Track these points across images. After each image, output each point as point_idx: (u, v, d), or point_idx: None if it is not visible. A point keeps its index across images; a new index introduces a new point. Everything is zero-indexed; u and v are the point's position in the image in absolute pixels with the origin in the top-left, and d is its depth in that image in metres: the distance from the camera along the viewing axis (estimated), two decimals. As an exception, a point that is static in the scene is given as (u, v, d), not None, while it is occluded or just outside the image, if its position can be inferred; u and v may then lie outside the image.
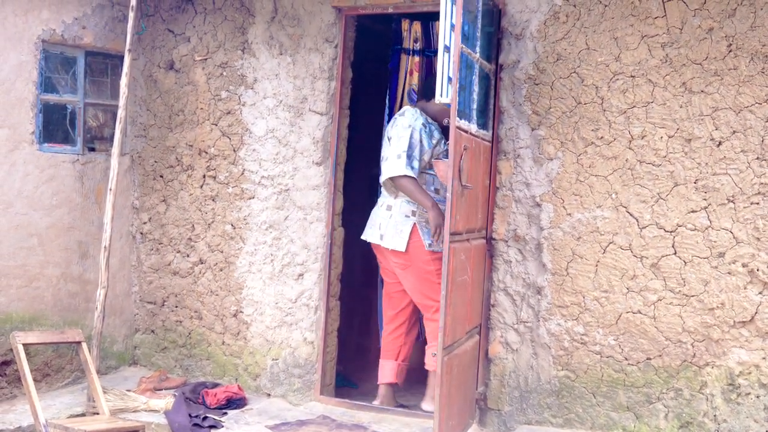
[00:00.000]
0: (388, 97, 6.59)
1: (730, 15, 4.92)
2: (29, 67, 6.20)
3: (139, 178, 6.94)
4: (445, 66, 4.86)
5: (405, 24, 5.96)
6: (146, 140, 6.89)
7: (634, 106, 5.16)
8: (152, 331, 6.91)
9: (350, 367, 7.00)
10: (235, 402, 6.01)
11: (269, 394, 6.28)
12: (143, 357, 6.95)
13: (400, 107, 6.24)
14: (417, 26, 6.01)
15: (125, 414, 5.80)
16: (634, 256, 5.16)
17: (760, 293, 4.88)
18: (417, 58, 6.26)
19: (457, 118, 4.67)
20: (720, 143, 4.94)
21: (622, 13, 5.19)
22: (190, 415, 5.74)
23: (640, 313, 5.15)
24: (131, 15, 6.23)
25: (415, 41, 6.14)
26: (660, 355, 5.12)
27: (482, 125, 5.29)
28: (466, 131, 4.87)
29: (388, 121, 6.22)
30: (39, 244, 6.28)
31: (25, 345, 5.62)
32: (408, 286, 5.83)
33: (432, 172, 5.76)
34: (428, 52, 6.34)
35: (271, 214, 6.29)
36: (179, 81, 6.72)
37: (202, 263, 6.62)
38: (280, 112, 6.26)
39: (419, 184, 5.66)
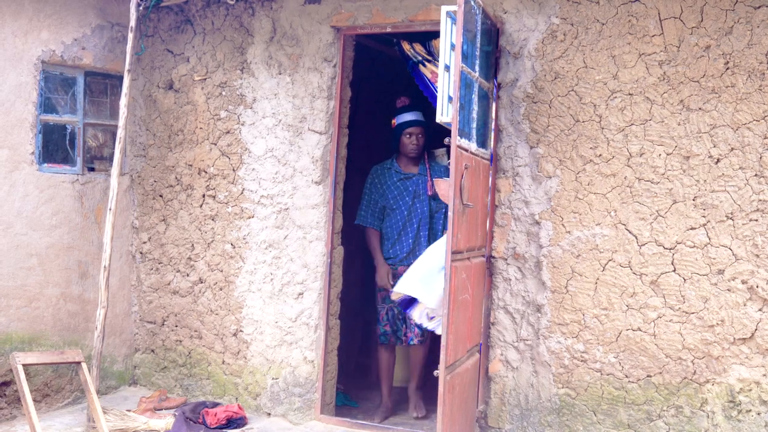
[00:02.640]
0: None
1: (727, 33, 4.95)
2: (29, 87, 6.22)
3: (138, 197, 6.95)
4: (446, 85, 4.88)
5: (406, 45, 5.99)
6: (146, 160, 6.90)
7: (632, 124, 5.18)
8: (152, 351, 6.90)
9: (350, 386, 6.99)
10: (235, 421, 6.00)
11: (269, 414, 6.27)
12: (143, 377, 6.94)
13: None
14: (418, 47, 6.04)
15: (125, 434, 5.79)
16: (634, 273, 5.17)
17: (759, 310, 4.88)
18: (434, 67, 6.25)
19: (458, 137, 4.69)
20: (718, 160, 4.96)
21: (619, 31, 5.22)
22: (190, 435, 5.75)
23: (640, 330, 5.16)
24: (130, 35, 6.25)
25: (427, 53, 6.16)
26: (660, 373, 5.12)
27: (481, 144, 5.31)
28: (466, 150, 4.89)
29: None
30: (39, 264, 6.28)
31: (24, 365, 5.61)
32: None
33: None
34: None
35: (270, 233, 6.30)
36: (178, 101, 6.74)
37: (201, 282, 6.62)
38: (280, 132, 6.28)
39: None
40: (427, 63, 6.12)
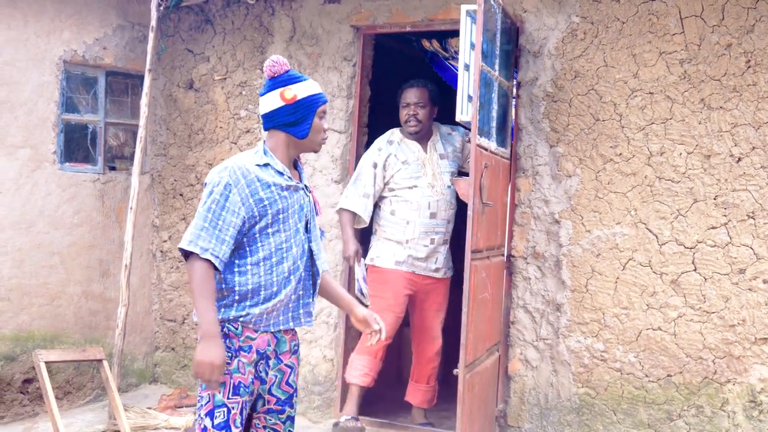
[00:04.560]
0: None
1: (749, 31, 4.93)
2: (51, 87, 6.27)
3: (159, 196, 6.99)
4: (465, 84, 4.89)
5: (426, 43, 6.00)
6: (166, 159, 6.94)
7: (652, 123, 5.16)
8: (172, 349, 6.93)
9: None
10: (255, 419, 6.02)
11: (289, 412, 6.28)
12: (163, 375, 6.97)
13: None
14: (436, 44, 6.05)
15: (146, 431, 5.83)
16: (654, 272, 5.16)
17: (781, 309, 4.87)
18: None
19: (478, 136, 4.69)
20: (739, 159, 4.94)
21: (640, 30, 5.20)
22: (210, 433, 5.74)
23: (661, 329, 5.14)
24: (151, 35, 6.29)
25: (443, 51, 6.17)
26: (681, 372, 5.10)
27: (501, 143, 5.31)
28: (486, 149, 4.89)
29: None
30: (60, 263, 6.32)
31: (47, 363, 5.66)
32: None
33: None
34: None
35: (290, 231, 6.31)
36: (199, 100, 6.77)
37: (221, 281, 6.63)
38: (299, 131, 6.28)
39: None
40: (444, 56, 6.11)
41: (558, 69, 5.44)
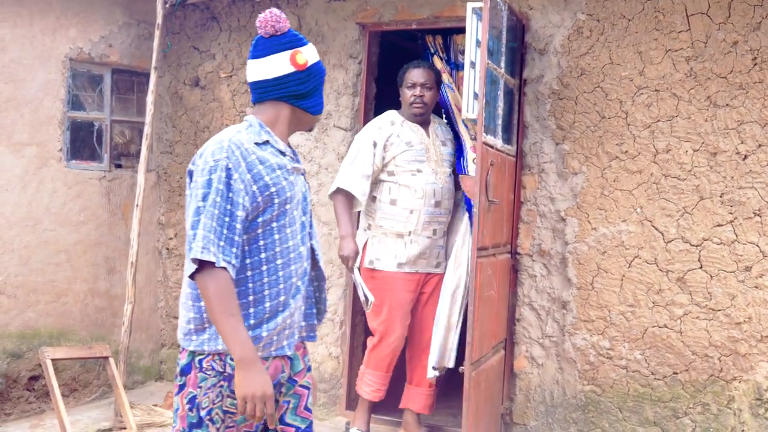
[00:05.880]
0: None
1: (755, 28, 4.92)
2: (57, 84, 6.28)
3: (165, 194, 7.00)
4: (471, 82, 4.88)
5: (429, 38, 5.98)
6: (172, 156, 6.95)
7: (658, 120, 5.16)
8: (178, 346, 6.93)
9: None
10: (260, 417, 6.02)
11: (295, 409, 6.28)
12: (169, 372, 6.99)
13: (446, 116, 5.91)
14: (439, 40, 6.03)
15: (152, 429, 5.83)
16: (660, 270, 5.15)
17: (787, 307, 4.86)
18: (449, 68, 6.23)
19: (484, 134, 4.69)
20: (746, 157, 4.94)
21: (645, 27, 5.19)
22: (216, 430, 5.74)
23: (666, 327, 5.14)
24: (157, 33, 6.30)
25: (443, 52, 6.15)
26: (686, 370, 5.10)
27: (507, 140, 5.31)
28: (492, 146, 4.89)
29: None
30: (67, 260, 6.34)
31: (53, 360, 5.68)
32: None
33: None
34: (450, 64, 6.34)
35: (296, 229, 6.31)
36: (204, 98, 6.78)
37: (227, 278, 6.64)
38: (305, 128, 6.29)
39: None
40: (439, 57, 6.06)
41: (564, 66, 5.43)
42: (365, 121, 6.15)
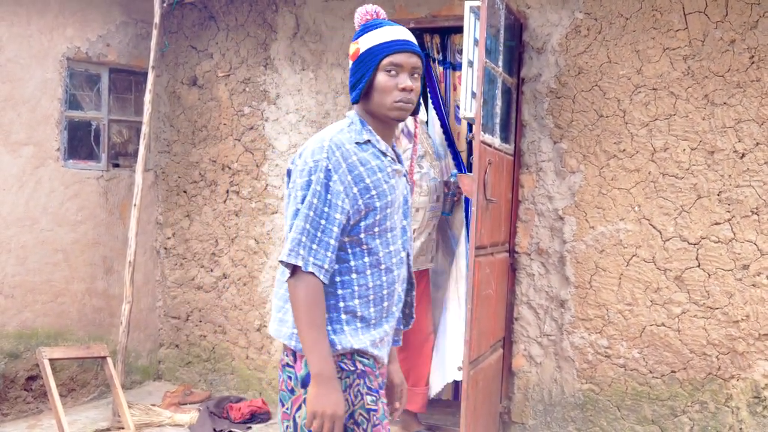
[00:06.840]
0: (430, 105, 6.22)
1: (752, 27, 4.92)
2: (54, 84, 6.27)
3: (162, 193, 7.00)
4: (469, 80, 4.88)
5: (427, 37, 5.98)
6: (170, 156, 6.94)
7: (656, 119, 5.16)
8: (176, 346, 6.94)
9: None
10: (259, 416, 6.03)
11: (293, 408, 6.28)
12: (167, 371, 6.98)
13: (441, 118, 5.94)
14: (437, 39, 6.03)
15: (150, 428, 5.83)
16: (658, 268, 5.16)
17: (785, 305, 4.86)
18: (441, 68, 6.24)
19: (481, 133, 4.69)
20: (743, 155, 4.94)
21: (643, 26, 5.19)
22: (214, 430, 5.76)
23: (664, 325, 5.14)
24: (154, 32, 6.29)
25: (438, 52, 6.15)
26: (684, 368, 5.10)
27: (504, 139, 5.31)
28: (489, 145, 4.88)
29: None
30: (64, 260, 6.33)
31: (51, 360, 5.67)
32: None
33: None
34: (446, 65, 6.34)
35: (293, 228, 6.31)
36: (202, 97, 6.78)
37: (225, 278, 6.65)
38: (303, 128, 6.30)
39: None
40: (435, 63, 6.06)
41: (561, 65, 5.43)
42: (363, 121, 6.13)
